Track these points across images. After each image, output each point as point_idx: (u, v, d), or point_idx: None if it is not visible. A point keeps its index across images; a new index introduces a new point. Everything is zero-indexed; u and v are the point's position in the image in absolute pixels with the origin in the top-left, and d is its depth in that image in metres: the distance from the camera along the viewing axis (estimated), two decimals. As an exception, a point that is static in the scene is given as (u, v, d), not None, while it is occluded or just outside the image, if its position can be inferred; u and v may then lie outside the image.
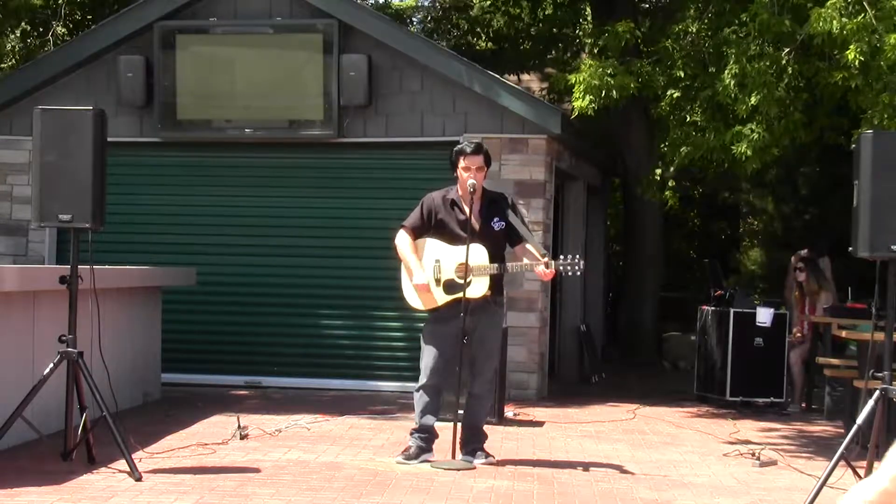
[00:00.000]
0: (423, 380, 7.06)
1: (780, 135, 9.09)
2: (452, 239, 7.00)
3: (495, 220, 6.99)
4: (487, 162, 7.07)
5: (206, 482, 6.26)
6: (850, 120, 10.00)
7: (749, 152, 8.96)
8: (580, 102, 9.62)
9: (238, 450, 7.39)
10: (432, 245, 7.06)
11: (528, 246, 7.01)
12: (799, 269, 11.04)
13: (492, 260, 6.88)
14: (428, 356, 7.03)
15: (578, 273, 6.99)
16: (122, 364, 8.52)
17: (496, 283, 7.01)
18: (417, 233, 7.09)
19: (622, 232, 16.55)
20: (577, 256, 6.92)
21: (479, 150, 7.01)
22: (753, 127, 8.94)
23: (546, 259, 6.90)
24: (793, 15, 8.86)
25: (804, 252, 11.74)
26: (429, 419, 7.05)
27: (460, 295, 6.85)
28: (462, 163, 6.97)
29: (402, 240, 7.10)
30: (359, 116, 10.88)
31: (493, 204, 7.04)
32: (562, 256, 7.00)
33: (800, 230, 17.52)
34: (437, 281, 6.98)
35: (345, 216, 11.06)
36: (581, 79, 9.65)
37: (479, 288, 6.88)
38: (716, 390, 10.65)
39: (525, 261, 7.00)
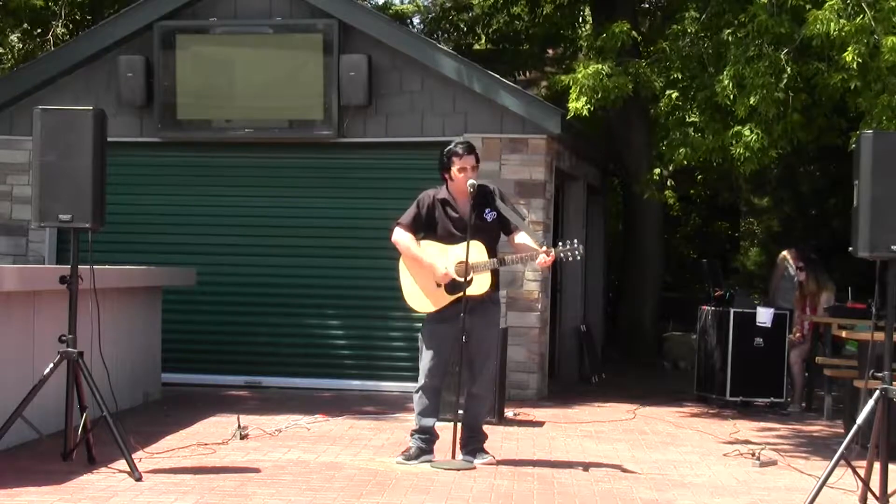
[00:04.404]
0: (421, 381, 7.07)
1: (778, 136, 9.09)
2: (447, 238, 7.01)
3: (487, 211, 7.01)
4: (477, 159, 7.12)
5: (206, 482, 6.27)
6: (849, 121, 10.01)
7: (747, 154, 8.97)
8: (575, 103, 9.62)
9: (238, 450, 7.39)
10: (427, 248, 7.06)
11: (524, 234, 7.01)
12: (799, 268, 11.05)
13: (489, 255, 6.89)
14: (426, 357, 7.03)
15: (579, 258, 6.99)
16: (122, 364, 8.53)
17: (495, 280, 7.02)
18: (413, 229, 7.10)
19: (622, 232, 16.56)
20: (576, 241, 6.92)
21: (471, 149, 7.07)
22: (752, 127, 8.95)
23: (545, 248, 6.89)
24: (791, 16, 8.87)
25: (788, 252, 11.75)
26: (428, 420, 7.06)
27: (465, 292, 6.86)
28: (457, 164, 6.98)
29: (404, 236, 7.09)
30: (359, 116, 10.88)
31: (480, 197, 7.05)
32: (560, 243, 6.99)
33: (800, 230, 17.52)
34: (438, 282, 6.98)
35: (345, 216, 11.06)
36: (575, 80, 9.66)
37: (481, 285, 6.88)
38: (716, 390, 10.64)
39: (524, 252, 6.99)
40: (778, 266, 12.16)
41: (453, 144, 7.13)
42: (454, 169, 7.00)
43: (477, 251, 6.88)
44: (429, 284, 7.00)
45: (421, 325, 7.37)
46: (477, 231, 6.93)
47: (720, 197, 20.10)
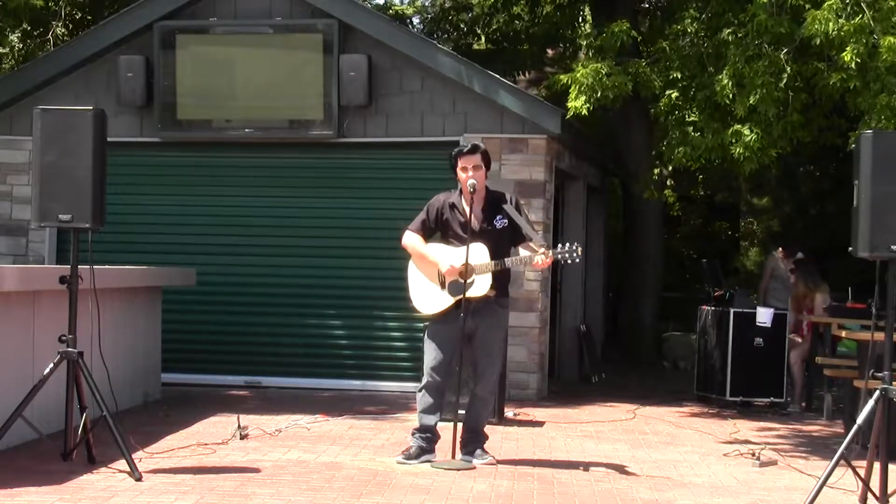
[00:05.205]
0: (425, 379, 7.08)
1: (777, 136, 9.09)
2: (455, 240, 7.02)
3: (498, 217, 7.00)
4: (486, 162, 7.07)
5: (206, 482, 6.27)
6: (848, 121, 10.01)
7: (746, 153, 8.97)
8: (574, 103, 9.63)
9: (238, 450, 7.39)
10: (434, 249, 7.07)
11: (531, 245, 7.01)
12: (791, 271, 11.07)
13: (493, 258, 6.89)
14: (430, 356, 7.03)
15: (577, 260, 6.98)
16: (122, 364, 8.53)
17: (500, 283, 7.00)
18: (422, 234, 7.11)
19: (622, 232, 16.57)
20: (576, 244, 6.92)
21: (475, 149, 7.03)
22: (752, 127, 8.95)
23: (543, 249, 6.88)
24: (791, 16, 8.87)
25: (779, 252, 11.78)
26: (430, 419, 7.06)
27: (466, 295, 6.85)
28: (459, 164, 6.98)
29: (412, 238, 7.12)
30: (359, 116, 10.88)
31: (494, 202, 7.05)
32: (559, 245, 6.99)
33: (800, 230, 17.53)
34: (442, 284, 6.98)
35: (345, 216, 11.06)
36: (574, 79, 9.66)
37: (481, 287, 6.88)
38: (716, 390, 10.64)
39: (523, 253, 6.97)
40: (766, 266, 12.16)
41: (462, 144, 7.15)
42: (458, 168, 7.00)
43: (478, 253, 6.88)
44: (435, 287, 7.01)
45: (422, 324, 7.38)
46: (483, 235, 6.93)
47: (716, 196, 20.11)
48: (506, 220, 6.99)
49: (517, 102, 10.66)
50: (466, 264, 6.82)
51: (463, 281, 6.85)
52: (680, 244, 20.57)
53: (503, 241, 7.01)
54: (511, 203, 7.05)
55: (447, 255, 6.97)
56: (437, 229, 7.13)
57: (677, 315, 16.07)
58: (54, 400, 6.69)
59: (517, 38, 18.14)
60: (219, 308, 11.19)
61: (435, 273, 7.00)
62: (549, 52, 19.22)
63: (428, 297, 7.05)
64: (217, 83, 11.06)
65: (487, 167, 7.09)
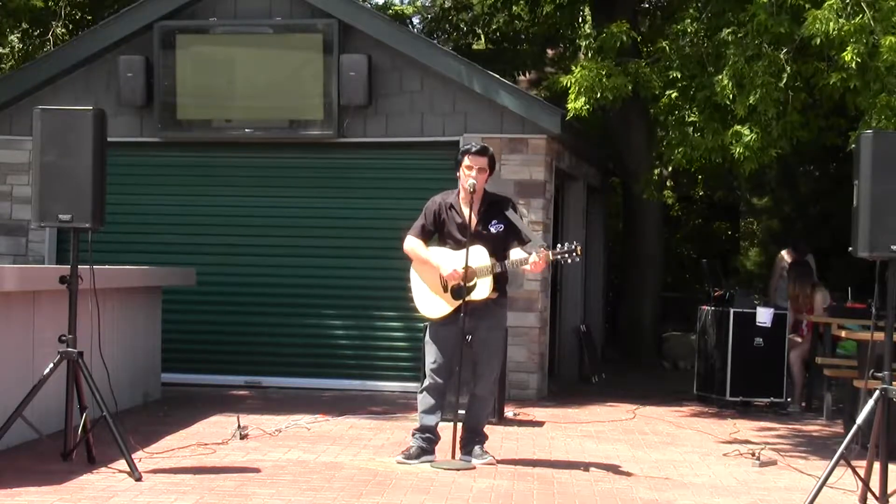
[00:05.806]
0: (426, 381, 7.08)
1: (777, 136, 9.10)
2: (453, 243, 7.02)
3: (493, 222, 6.98)
4: (491, 165, 7.06)
5: (206, 482, 6.27)
6: (848, 120, 10.02)
7: (746, 153, 8.98)
8: (574, 104, 9.63)
9: (238, 450, 7.39)
10: (435, 253, 7.06)
11: (528, 247, 6.99)
12: (787, 273, 11.08)
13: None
14: (431, 358, 7.04)
15: (577, 260, 6.96)
16: (122, 364, 8.53)
17: (499, 284, 7.00)
18: (423, 238, 7.11)
19: (622, 232, 16.58)
20: (575, 243, 6.90)
21: (484, 151, 7.01)
22: (752, 126, 8.95)
23: (542, 251, 6.85)
24: (791, 15, 8.87)
25: (786, 252, 11.76)
26: (431, 420, 7.06)
27: (468, 297, 6.84)
28: (466, 161, 6.96)
29: (413, 242, 7.11)
30: (359, 116, 10.88)
31: (492, 206, 7.04)
32: (558, 245, 6.98)
33: (800, 230, 17.54)
34: (445, 287, 6.97)
35: (345, 216, 11.06)
36: (574, 80, 9.66)
37: (483, 289, 6.88)
38: (716, 390, 10.64)
39: (519, 255, 6.93)
40: (776, 265, 12.17)
41: (470, 143, 7.15)
42: (463, 166, 6.99)
43: (480, 256, 6.87)
44: (438, 290, 7.00)
45: (423, 324, 7.38)
46: (479, 238, 6.92)
47: (715, 195, 20.11)
48: (502, 226, 6.97)
49: (517, 102, 10.66)
50: (467, 267, 6.82)
51: (464, 285, 6.85)
52: (680, 244, 20.57)
53: (498, 246, 6.99)
54: (511, 209, 7.03)
55: (448, 259, 6.96)
56: (436, 231, 7.13)
57: (677, 315, 16.06)
58: (54, 400, 6.69)
59: (517, 38, 18.13)
60: (219, 308, 11.19)
61: (437, 277, 6.99)
62: (549, 52, 19.21)
63: (432, 302, 7.04)
64: (217, 83, 11.06)
65: (491, 171, 7.08)
